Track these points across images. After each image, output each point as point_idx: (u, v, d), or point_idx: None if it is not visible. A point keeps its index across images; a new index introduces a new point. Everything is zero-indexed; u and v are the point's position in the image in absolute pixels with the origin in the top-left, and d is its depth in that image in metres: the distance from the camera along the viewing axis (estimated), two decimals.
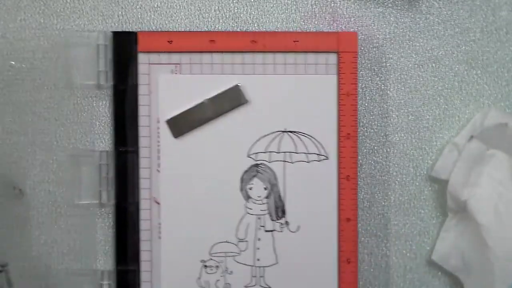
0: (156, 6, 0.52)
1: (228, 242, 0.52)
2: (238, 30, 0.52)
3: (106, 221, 0.52)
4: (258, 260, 0.52)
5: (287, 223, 0.52)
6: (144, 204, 0.52)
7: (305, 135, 0.52)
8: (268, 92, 0.52)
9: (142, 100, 0.52)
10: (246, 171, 0.52)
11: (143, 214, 0.52)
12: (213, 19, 0.52)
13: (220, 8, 0.52)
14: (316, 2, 0.52)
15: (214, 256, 0.52)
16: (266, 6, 0.52)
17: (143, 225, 0.52)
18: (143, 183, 0.52)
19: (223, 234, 0.52)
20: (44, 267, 0.52)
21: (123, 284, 0.52)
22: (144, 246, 0.52)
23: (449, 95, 0.53)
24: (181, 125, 0.51)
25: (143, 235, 0.52)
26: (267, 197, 0.52)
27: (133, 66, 0.51)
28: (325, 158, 0.52)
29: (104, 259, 0.52)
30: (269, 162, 0.52)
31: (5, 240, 0.51)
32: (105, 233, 0.52)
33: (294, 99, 0.52)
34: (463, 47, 0.53)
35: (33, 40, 0.51)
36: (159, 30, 0.52)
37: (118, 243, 0.52)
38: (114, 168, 0.52)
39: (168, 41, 0.51)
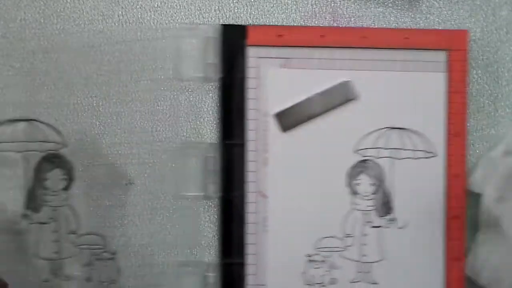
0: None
1: (334, 237, 0.52)
2: None
3: (211, 214, 0.52)
4: (364, 255, 0.52)
5: (394, 219, 0.52)
6: (250, 197, 0.52)
7: (413, 132, 0.52)
8: (376, 88, 0.52)
9: (250, 93, 0.52)
10: (353, 167, 0.52)
11: (250, 207, 0.52)
12: (212, 19, 0.52)
13: (219, 8, 0.52)
14: (316, 2, 0.52)
15: (320, 251, 0.52)
16: (266, 6, 0.53)
17: (250, 218, 0.52)
18: (250, 176, 0.52)
19: (329, 229, 0.52)
20: (149, 257, 0.52)
21: (228, 277, 0.51)
22: (250, 239, 0.52)
23: None
24: (289, 119, 0.52)
25: (249, 228, 0.52)
26: (374, 193, 0.52)
27: (241, 59, 0.51)
28: (432, 155, 0.52)
29: (208, 252, 0.52)
30: (376, 158, 0.52)
31: (115, 230, 0.51)
32: (210, 225, 0.52)
33: (402, 95, 0.52)
34: None
35: (33, 40, 0.51)
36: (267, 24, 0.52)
37: (223, 236, 0.52)
38: (220, 160, 0.52)
39: (278, 35, 0.51)
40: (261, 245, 0.51)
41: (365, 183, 0.52)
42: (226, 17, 0.52)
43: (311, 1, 0.53)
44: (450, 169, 0.52)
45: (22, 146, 0.51)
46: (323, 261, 0.52)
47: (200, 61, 0.52)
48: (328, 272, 0.52)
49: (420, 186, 0.52)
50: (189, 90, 0.52)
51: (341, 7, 0.53)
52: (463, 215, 0.51)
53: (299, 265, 0.52)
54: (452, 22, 0.53)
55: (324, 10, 0.52)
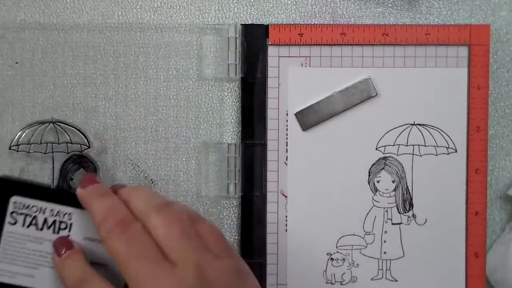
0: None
1: (355, 235, 0.52)
2: None
3: (232, 213, 0.52)
4: (385, 253, 0.52)
5: (414, 216, 0.52)
6: (271, 197, 0.52)
7: (434, 128, 0.51)
8: (397, 85, 0.51)
9: (271, 93, 0.51)
10: (374, 164, 0.52)
11: (270, 207, 0.52)
12: (212, 19, 0.52)
13: (219, 8, 0.52)
14: (316, 2, 0.52)
15: (341, 249, 0.52)
16: (266, 6, 0.52)
17: (270, 218, 0.52)
18: (271, 176, 0.52)
19: (350, 227, 0.52)
20: None
21: None
22: (270, 239, 0.52)
23: None
24: (310, 117, 0.51)
25: (270, 228, 0.52)
26: (394, 190, 0.52)
27: (262, 58, 0.51)
28: (453, 151, 0.52)
29: None
30: (397, 155, 0.52)
31: None
32: (231, 225, 0.52)
33: (423, 92, 0.51)
34: None
35: (33, 40, 0.51)
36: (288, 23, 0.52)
37: (244, 236, 0.52)
38: (241, 160, 0.51)
39: (299, 34, 0.51)
40: (281, 244, 0.52)
41: (385, 180, 0.52)
42: (226, 17, 0.52)
43: (311, 1, 0.52)
44: (471, 164, 0.51)
45: (49, 147, 0.50)
46: (343, 259, 0.52)
47: (222, 61, 0.51)
48: (348, 270, 0.52)
49: (440, 183, 0.52)
50: (212, 90, 0.52)
51: (341, 7, 0.52)
52: (484, 211, 0.51)
53: (320, 264, 0.52)
54: (452, 22, 0.52)
55: (324, 10, 0.52)
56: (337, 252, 0.52)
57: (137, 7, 0.52)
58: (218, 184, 0.52)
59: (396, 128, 0.51)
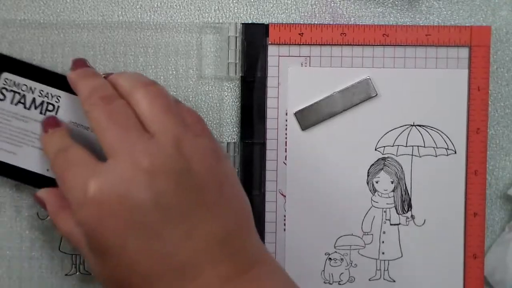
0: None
1: (353, 235, 0.52)
2: None
3: None
4: (383, 253, 0.52)
5: (413, 217, 0.52)
6: (269, 196, 0.52)
7: (433, 129, 0.51)
8: (397, 85, 0.51)
9: (270, 92, 0.51)
10: (373, 165, 0.52)
11: (269, 206, 0.52)
12: (212, 19, 0.52)
13: (219, 7, 0.52)
14: (316, 2, 0.52)
15: (339, 249, 0.52)
16: (266, 6, 0.52)
17: (268, 217, 0.52)
18: (269, 175, 0.52)
19: (348, 227, 0.52)
20: None
21: None
22: (269, 238, 0.52)
23: None
24: (309, 117, 0.51)
25: (268, 227, 0.52)
26: (393, 191, 0.52)
27: (262, 58, 0.51)
28: (453, 152, 0.51)
29: None
30: (396, 156, 0.52)
31: None
32: None
33: (423, 93, 0.51)
34: None
35: (33, 40, 0.51)
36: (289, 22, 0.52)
37: None
38: (240, 159, 0.51)
39: (299, 34, 0.51)
40: (279, 244, 0.52)
41: (384, 181, 0.52)
42: (226, 17, 0.52)
43: (311, 1, 0.52)
44: (470, 166, 0.51)
45: None
46: (341, 259, 0.52)
47: (221, 60, 0.51)
48: (346, 270, 0.52)
49: (439, 184, 0.52)
50: (210, 89, 0.52)
51: (341, 7, 0.52)
52: (483, 213, 0.51)
53: (318, 264, 0.52)
54: (452, 22, 0.52)
55: (324, 10, 0.52)
56: (335, 252, 0.52)
57: (137, 7, 0.52)
58: None
59: (395, 128, 0.51)
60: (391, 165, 0.52)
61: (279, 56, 0.51)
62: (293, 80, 0.51)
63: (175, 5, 0.52)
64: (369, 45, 0.51)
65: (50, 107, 0.48)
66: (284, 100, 0.51)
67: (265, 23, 0.51)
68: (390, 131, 0.51)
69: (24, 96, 0.48)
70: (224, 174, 0.42)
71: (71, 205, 0.41)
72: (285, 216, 0.52)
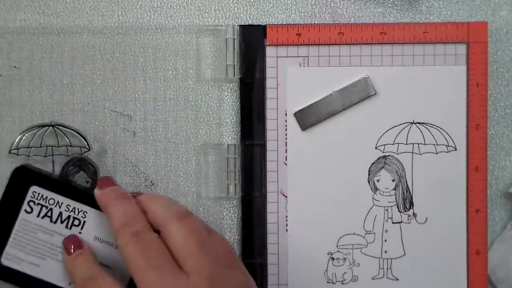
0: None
1: (355, 234, 0.52)
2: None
3: (233, 214, 0.52)
4: (386, 252, 0.52)
5: (414, 214, 0.52)
6: (271, 197, 0.52)
7: (433, 126, 0.51)
8: (396, 83, 0.51)
9: (269, 93, 0.51)
10: (373, 163, 0.52)
11: (270, 207, 0.52)
12: (212, 18, 0.52)
13: (219, 7, 0.52)
14: (316, 2, 0.52)
15: (341, 248, 0.52)
16: (266, 5, 0.52)
17: (270, 218, 0.52)
18: (270, 176, 0.52)
19: (350, 226, 0.52)
20: None
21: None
22: (271, 239, 0.52)
23: None
24: (309, 117, 0.51)
25: (270, 228, 0.52)
26: (394, 189, 0.52)
27: (261, 59, 0.51)
28: (453, 149, 0.51)
29: None
30: (397, 154, 0.52)
31: None
32: (232, 226, 0.52)
33: (422, 90, 0.51)
34: None
35: (33, 40, 0.51)
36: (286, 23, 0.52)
37: (244, 236, 0.52)
38: (241, 161, 0.51)
39: (297, 34, 0.51)
40: (282, 244, 0.52)
41: (385, 179, 0.52)
42: (226, 17, 0.52)
43: (311, 1, 0.52)
44: (471, 162, 0.51)
45: (49, 151, 0.51)
46: (344, 258, 0.52)
47: (220, 62, 0.51)
48: (349, 270, 0.52)
49: (441, 181, 0.52)
50: (210, 91, 0.52)
51: (341, 7, 0.52)
52: (485, 209, 0.51)
53: (321, 264, 0.52)
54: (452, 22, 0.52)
55: (324, 10, 0.52)
56: (338, 251, 0.52)
57: (137, 7, 0.52)
58: (218, 185, 0.52)
59: (395, 126, 0.51)
60: (392, 163, 0.52)
61: (277, 57, 0.51)
62: (292, 81, 0.51)
63: (175, 6, 0.52)
64: (367, 43, 0.51)
65: (76, 222, 0.48)
66: (283, 101, 0.51)
67: (265, 23, 0.51)
68: (390, 129, 0.51)
69: (51, 209, 0.48)
70: None
71: None
72: (287, 216, 0.52)
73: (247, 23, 0.52)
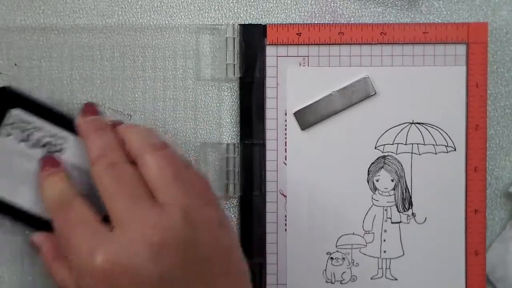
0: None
1: (354, 234, 0.52)
2: None
3: (232, 214, 0.52)
4: (385, 252, 0.52)
5: (414, 214, 0.52)
6: (270, 196, 0.52)
7: (433, 126, 0.51)
8: (396, 83, 0.51)
9: (269, 93, 0.51)
10: (373, 163, 0.52)
11: (269, 207, 0.52)
12: (212, 18, 0.52)
13: (219, 7, 0.52)
14: (316, 2, 0.52)
15: (340, 248, 0.52)
16: (266, 6, 0.52)
17: (269, 217, 0.52)
18: (270, 176, 0.52)
19: (349, 226, 0.52)
20: None
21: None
22: (270, 238, 0.52)
23: None
24: (309, 117, 0.51)
25: (269, 228, 0.52)
26: (394, 189, 0.52)
27: (261, 58, 0.51)
28: (452, 149, 0.52)
29: None
30: (396, 154, 0.52)
31: None
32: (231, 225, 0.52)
33: (422, 90, 0.51)
34: None
35: (33, 40, 0.51)
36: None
37: (243, 236, 0.52)
38: (240, 160, 0.51)
39: (297, 34, 0.51)
40: (281, 244, 0.52)
41: (384, 179, 0.52)
42: (226, 17, 0.52)
43: (311, 1, 0.52)
44: (470, 163, 0.52)
45: None
46: (343, 258, 0.52)
47: (220, 61, 0.51)
48: (348, 269, 0.52)
49: (440, 181, 0.52)
50: (210, 90, 0.52)
51: (341, 7, 0.52)
52: (484, 209, 0.51)
53: (320, 263, 0.52)
54: (452, 22, 0.52)
55: (324, 10, 0.52)
56: (337, 251, 0.52)
57: (137, 7, 0.52)
58: (217, 184, 0.52)
59: (395, 127, 0.51)
60: (391, 163, 0.52)
61: (277, 56, 0.51)
62: (292, 80, 0.51)
63: (175, 5, 0.52)
64: (367, 43, 0.51)
65: (56, 148, 0.48)
66: (283, 100, 0.51)
67: (264, 23, 0.51)
68: (389, 129, 0.52)
69: (30, 134, 0.47)
70: (230, 245, 0.42)
71: (73, 267, 0.41)
72: (286, 216, 0.52)
73: (247, 23, 0.52)
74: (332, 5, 0.52)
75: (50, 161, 0.46)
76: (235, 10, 0.52)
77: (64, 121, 0.47)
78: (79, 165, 0.47)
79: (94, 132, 0.44)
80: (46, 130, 0.47)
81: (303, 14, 0.52)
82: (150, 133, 0.45)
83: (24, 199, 0.47)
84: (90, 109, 0.47)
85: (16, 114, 0.47)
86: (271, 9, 0.52)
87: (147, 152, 0.42)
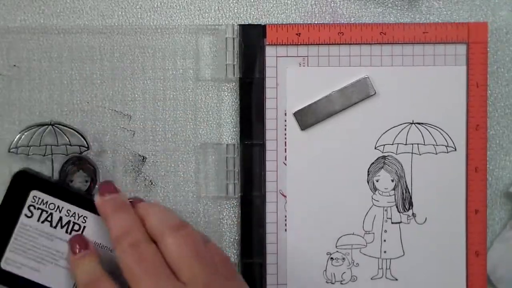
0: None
1: (354, 234, 0.52)
2: None
3: (232, 214, 0.53)
4: (385, 252, 0.52)
5: (414, 215, 0.52)
6: (270, 197, 0.52)
7: (433, 126, 0.51)
8: (396, 83, 0.51)
9: (269, 93, 0.51)
10: (373, 163, 0.52)
11: (269, 207, 0.52)
12: (212, 19, 0.52)
13: (219, 7, 0.52)
14: (316, 2, 0.52)
15: (341, 249, 0.52)
16: (266, 5, 0.52)
17: (269, 218, 0.52)
18: (270, 176, 0.52)
19: (349, 226, 0.52)
20: None
21: (249, 276, 0.52)
22: (270, 239, 0.52)
23: None
24: (308, 117, 0.51)
25: (269, 228, 0.52)
26: (394, 189, 0.52)
27: (260, 59, 0.51)
28: (453, 149, 0.51)
29: (230, 252, 0.52)
30: (396, 154, 0.52)
31: None
32: (231, 225, 0.52)
33: (422, 90, 0.51)
34: None
35: (33, 40, 0.51)
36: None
37: (244, 236, 0.52)
38: (240, 161, 0.51)
39: (296, 34, 0.51)
40: (281, 244, 0.52)
41: (384, 179, 0.52)
42: (226, 17, 0.52)
43: (311, 1, 0.52)
44: (470, 163, 0.51)
45: (48, 150, 0.51)
46: (343, 258, 0.52)
47: (219, 61, 0.51)
48: (348, 270, 0.52)
49: (440, 181, 0.52)
50: (210, 90, 0.52)
51: (341, 7, 0.52)
52: (484, 209, 0.51)
53: (320, 264, 0.52)
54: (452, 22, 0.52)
55: (324, 10, 0.52)
56: (337, 251, 0.52)
57: (137, 7, 0.52)
58: (218, 184, 0.52)
59: (395, 127, 0.51)
60: (391, 164, 0.52)
61: (277, 56, 0.51)
62: (292, 81, 0.51)
63: (175, 5, 0.52)
64: (367, 43, 0.51)
65: (76, 227, 0.48)
66: (283, 101, 0.51)
67: (264, 23, 0.51)
68: (389, 129, 0.51)
69: (51, 214, 0.48)
70: None
71: None
72: (286, 216, 0.52)
73: (247, 23, 0.52)
74: (332, 5, 0.52)
75: (80, 243, 0.47)
76: (235, 11, 0.52)
77: (82, 201, 0.49)
78: (101, 243, 0.49)
79: (114, 212, 0.46)
80: (66, 209, 0.48)
81: (303, 14, 0.52)
82: (169, 213, 0.46)
83: (50, 278, 0.48)
84: (106, 188, 0.47)
85: (35, 195, 0.48)
86: (271, 9, 0.52)
87: (166, 234, 0.43)
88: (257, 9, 0.52)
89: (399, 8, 0.52)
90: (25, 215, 0.48)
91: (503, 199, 0.53)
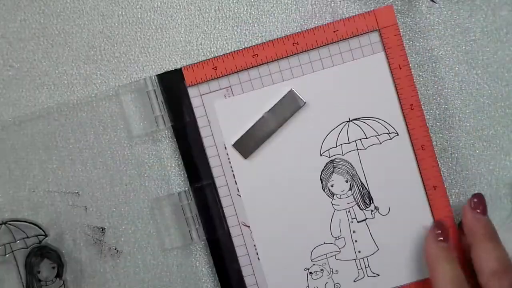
0: (156, 6, 0.52)
1: (326, 243, 0.52)
2: (238, 30, 0.52)
3: (202, 258, 0.53)
4: (359, 252, 0.52)
5: (376, 208, 0.52)
6: (234, 231, 0.52)
7: (370, 118, 0.52)
8: (322, 88, 0.52)
9: (203, 132, 0.51)
10: (323, 170, 0.52)
11: (237, 241, 0.52)
12: (212, 19, 0.52)
13: (220, 8, 0.52)
14: (316, 2, 0.52)
15: (316, 261, 0.52)
16: (266, 6, 0.52)
17: (240, 251, 0.52)
18: (228, 211, 0.52)
19: (318, 237, 0.52)
20: None
21: None
22: (246, 271, 0.52)
23: (449, 94, 0.52)
24: (248, 144, 0.51)
25: (242, 261, 0.52)
26: (350, 189, 0.52)
27: (186, 102, 0.51)
28: (395, 134, 0.52)
29: None
30: (343, 155, 0.52)
31: None
32: (206, 268, 0.52)
33: (349, 87, 0.52)
34: (463, 47, 0.53)
35: (33, 40, 0.51)
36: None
37: (221, 276, 0.52)
38: (195, 205, 0.51)
39: (213, 68, 0.51)
40: (258, 274, 0.52)
41: (338, 182, 0.52)
42: (226, 17, 0.52)
43: (311, 1, 0.52)
44: (415, 143, 0.52)
45: (8, 248, 0.50)
46: (321, 269, 0.52)
47: (147, 114, 0.51)
48: (329, 279, 0.52)
49: (392, 168, 0.52)
50: (146, 145, 0.52)
51: (341, 7, 0.52)
52: (442, 184, 0.51)
53: (300, 281, 0.52)
54: (452, 22, 0.53)
55: (324, 10, 0.52)
56: (314, 264, 0.52)
57: (137, 7, 0.52)
58: (181, 233, 0.52)
59: (333, 129, 0.52)
60: (340, 165, 0.52)
61: (201, 95, 0.51)
62: (222, 114, 0.51)
63: (175, 6, 0.52)
64: (283, 57, 0.51)
65: None
66: (219, 135, 0.51)
67: (179, 67, 0.51)
68: (329, 133, 0.52)
69: None
70: None
71: None
72: (255, 245, 0.52)
73: (161, 72, 0.52)
74: (332, 5, 0.52)
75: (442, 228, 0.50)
76: (236, 10, 0.52)
77: None
78: None
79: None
80: None
81: (303, 14, 0.52)
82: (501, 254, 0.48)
83: None
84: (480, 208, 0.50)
85: None
86: (272, 9, 0.52)
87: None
88: (257, 9, 0.52)
89: (399, 8, 0.52)
90: None
91: (503, 199, 0.53)
